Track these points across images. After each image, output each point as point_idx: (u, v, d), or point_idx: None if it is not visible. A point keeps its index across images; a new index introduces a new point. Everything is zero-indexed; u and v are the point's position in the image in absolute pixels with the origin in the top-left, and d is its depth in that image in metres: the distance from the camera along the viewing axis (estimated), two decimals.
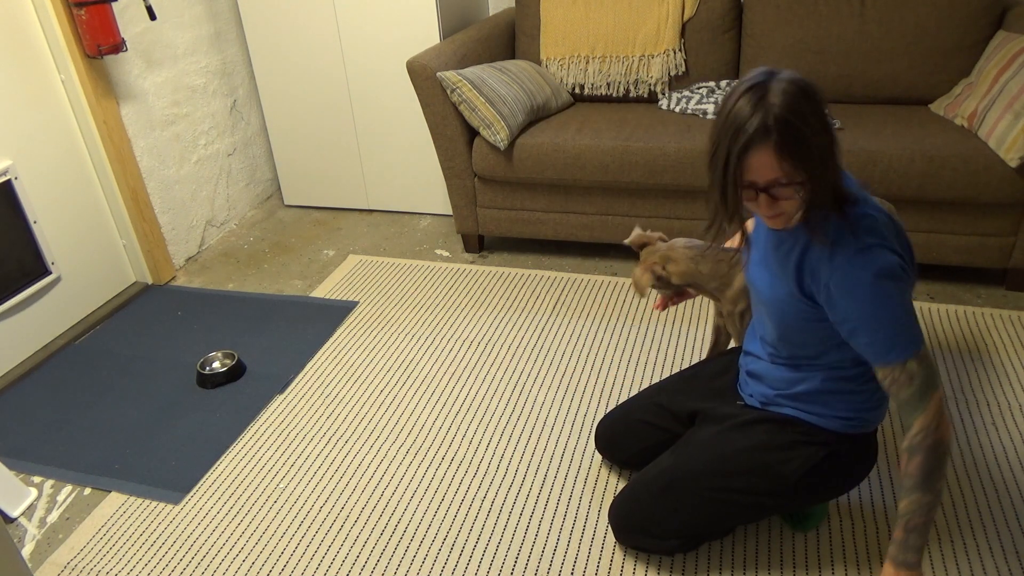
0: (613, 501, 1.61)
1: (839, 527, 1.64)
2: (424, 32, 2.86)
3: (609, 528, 1.67)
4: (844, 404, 1.43)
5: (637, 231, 1.76)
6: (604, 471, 1.83)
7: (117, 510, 1.83)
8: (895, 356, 1.22)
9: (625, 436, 1.74)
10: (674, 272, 1.69)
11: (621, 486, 1.78)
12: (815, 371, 1.42)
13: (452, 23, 2.95)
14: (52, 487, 1.93)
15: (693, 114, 2.69)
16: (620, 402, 1.93)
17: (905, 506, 1.25)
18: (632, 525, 1.55)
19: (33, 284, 2.47)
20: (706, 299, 2.48)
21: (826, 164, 1.16)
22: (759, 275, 1.43)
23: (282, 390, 2.21)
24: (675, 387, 1.72)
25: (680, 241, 1.73)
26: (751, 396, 1.55)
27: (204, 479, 1.90)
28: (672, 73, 2.90)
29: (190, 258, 3.07)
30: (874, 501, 1.69)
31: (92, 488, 1.92)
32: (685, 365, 2.18)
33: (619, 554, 1.61)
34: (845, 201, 1.24)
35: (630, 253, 2.85)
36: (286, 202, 3.47)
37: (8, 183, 2.36)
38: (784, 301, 1.36)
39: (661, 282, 1.71)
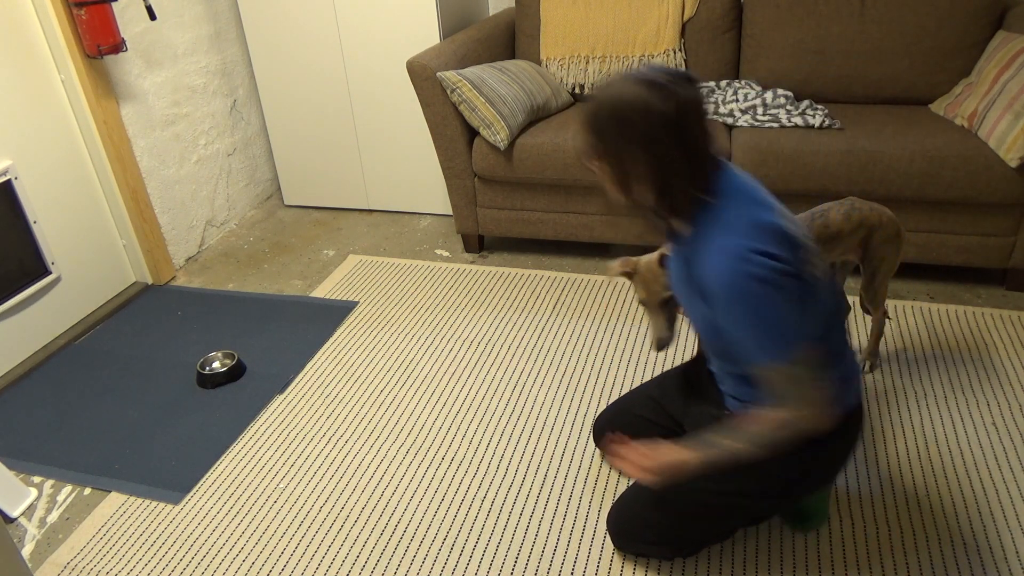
0: (610, 509, 1.61)
1: (839, 527, 1.64)
2: (424, 32, 2.86)
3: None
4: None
5: (612, 265, 1.64)
6: (604, 471, 1.83)
7: (117, 510, 1.83)
8: (761, 358, 1.24)
9: (622, 431, 1.74)
10: (647, 299, 1.60)
11: (621, 486, 1.78)
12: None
13: (452, 23, 2.95)
14: (52, 487, 1.93)
15: None
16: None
17: (723, 440, 1.30)
18: (629, 533, 1.54)
19: (33, 284, 2.47)
20: None
21: (630, 157, 1.20)
22: (680, 294, 1.42)
23: (282, 390, 2.21)
24: (672, 383, 1.72)
25: (645, 259, 1.60)
26: (730, 400, 1.50)
27: (204, 479, 1.90)
28: None
29: (190, 258, 3.07)
30: (874, 502, 1.69)
31: (92, 488, 1.92)
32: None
33: (619, 554, 1.61)
34: (695, 204, 1.25)
35: (629, 253, 2.85)
36: (286, 202, 3.47)
37: (8, 183, 2.36)
38: (703, 316, 1.33)
39: (656, 309, 1.61)
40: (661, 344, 1.62)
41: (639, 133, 1.18)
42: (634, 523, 1.53)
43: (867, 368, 2.09)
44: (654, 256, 1.58)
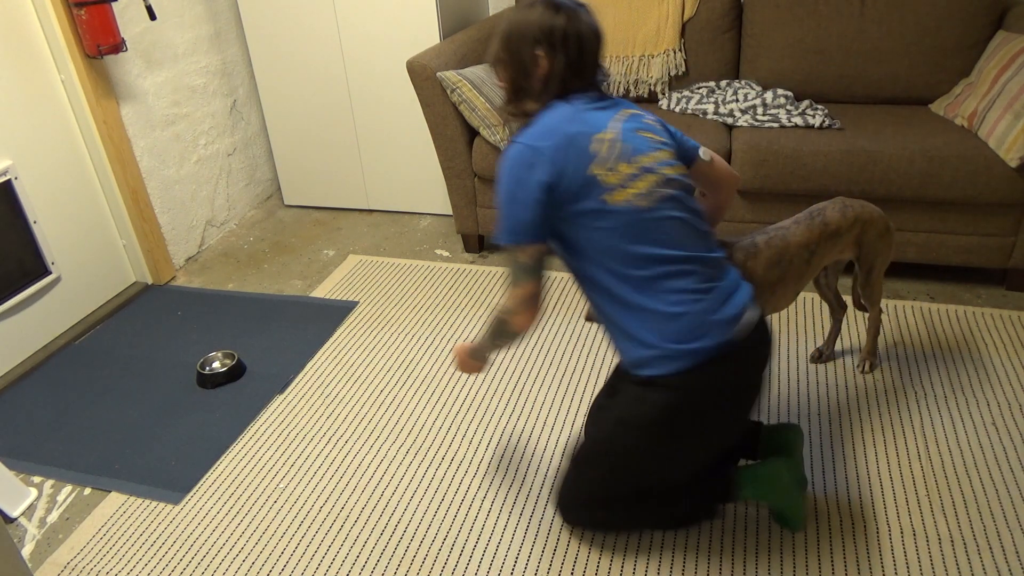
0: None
1: (839, 526, 1.64)
2: (424, 32, 2.86)
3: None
4: (624, 330, 1.42)
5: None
6: None
7: (117, 510, 1.83)
8: (498, 239, 1.42)
9: None
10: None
11: None
12: (593, 295, 1.46)
13: (452, 23, 2.95)
14: (52, 487, 1.93)
15: (693, 114, 2.69)
16: None
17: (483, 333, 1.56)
18: (566, 501, 1.61)
19: (33, 284, 2.47)
20: None
21: (506, 68, 1.45)
22: None
23: (282, 390, 2.21)
24: None
25: None
26: None
27: (204, 479, 1.90)
28: (672, 73, 2.90)
29: (190, 258, 3.07)
30: (874, 502, 1.69)
31: (92, 488, 1.92)
32: None
33: (619, 554, 1.61)
34: (533, 111, 1.46)
35: None
36: (286, 202, 3.47)
37: (8, 183, 2.36)
38: None
39: None
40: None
41: (524, 39, 1.41)
42: (566, 489, 1.61)
43: (867, 368, 2.09)
44: None
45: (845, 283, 2.52)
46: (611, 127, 1.40)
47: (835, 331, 2.14)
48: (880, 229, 1.88)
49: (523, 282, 1.40)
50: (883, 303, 2.42)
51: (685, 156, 1.60)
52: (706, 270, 1.42)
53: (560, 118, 1.39)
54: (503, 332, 1.50)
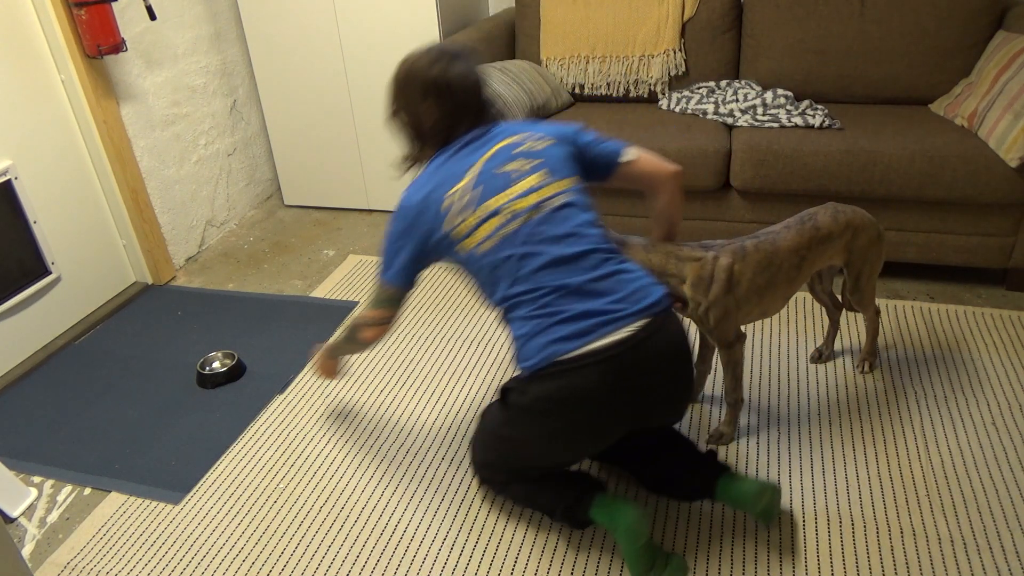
0: None
1: (838, 526, 1.64)
2: (424, 32, 2.86)
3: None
4: (513, 334, 1.48)
5: None
6: (603, 471, 1.82)
7: (117, 510, 1.83)
8: (378, 272, 1.62)
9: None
10: None
11: (620, 485, 1.78)
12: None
13: (452, 23, 2.95)
14: (52, 487, 1.93)
15: (693, 114, 2.69)
16: None
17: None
18: (473, 452, 1.73)
19: (33, 284, 2.47)
20: None
21: (400, 120, 1.61)
22: None
23: (282, 390, 2.21)
24: None
25: (637, 239, 1.77)
26: None
27: (204, 479, 1.90)
28: (672, 73, 2.90)
29: (190, 258, 3.07)
30: (874, 502, 1.70)
31: (92, 488, 1.92)
32: None
33: (619, 553, 1.61)
34: (424, 156, 1.64)
35: None
36: (286, 202, 3.47)
37: (8, 183, 2.36)
38: None
39: None
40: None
41: (406, 94, 1.55)
42: (473, 443, 1.73)
43: (866, 368, 2.08)
44: (638, 241, 1.77)
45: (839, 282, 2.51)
46: (469, 173, 1.51)
47: (833, 331, 2.14)
48: (871, 236, 1.87)
49: (380, 308, 1.64)
50: (883, 303, 2.42)
51: (597, 162, 1.65)
52: (563, 293, 1.44)
53: (430, 172, 1.56)
54: (353, 339, 1.74)
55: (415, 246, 1.55)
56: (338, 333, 1.81)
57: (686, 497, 1.67)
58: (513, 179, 1.50)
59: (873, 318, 2.05)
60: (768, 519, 1.60)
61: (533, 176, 1.51)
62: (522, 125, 1.61)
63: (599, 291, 1.44)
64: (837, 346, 2.21)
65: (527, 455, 1.54)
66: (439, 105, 1.54)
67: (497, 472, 1.67)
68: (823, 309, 2.39)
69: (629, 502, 1.53)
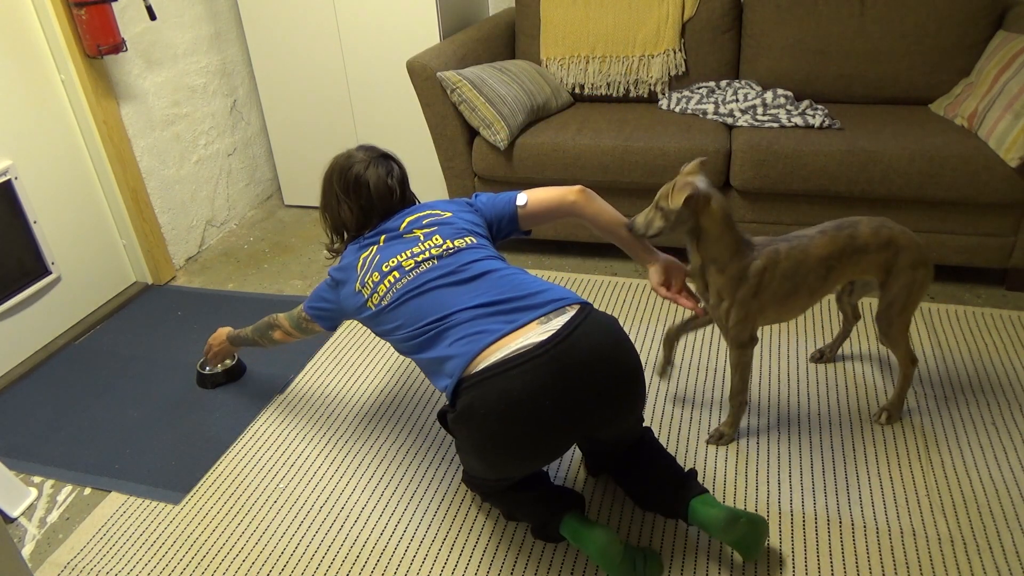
0: None
1: (838, 527, 1.64)
2: (424, 32, 2.87)
3: (609, 528, 1.67)
4: (438, 369, 1.53)
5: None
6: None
7: (117, 510, 1.83)
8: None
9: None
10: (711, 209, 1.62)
11: (619, 485, 1.78)
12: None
13: (452, 23, 2.95)
14: (52, 487, 1.93)
15: (693, 114, 2.69)
16: None
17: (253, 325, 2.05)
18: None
19: (33, 284, 2.47)
20: None
21: (327, 211, 1.81)
22: None
23: (282, 390, 2.21)
24: None
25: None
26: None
27: (204, 479, 1.90)
28: (672, 73, 2.90)
29: (190, 258, 3.07)
30: (874, 502, 1.69)
31: (92, 488, 1.92)
32: (683, 365, 2.18)
33: None
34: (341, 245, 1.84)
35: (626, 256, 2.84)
36: (286, 202, 3.47)
37: (8, 183, 2.36)
38: None
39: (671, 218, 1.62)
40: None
41: (330, 192, 1.77)
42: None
43: (883, 419, 1.90)
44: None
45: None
46: (376, 244, 1.69)
47: (841, 337, 2.10)
48: (915, 259, 1.71)
49: (295, 330, 1.89)
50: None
51: (501, 218, 1.79)
52: (472, 312, 1.50)
53: (349, 251, 1.74)
54: (265, 336, 1.98)
55: (335, 305, 1.75)
56: (250, 329, 2.02)
57: (663, 513, 1.63)
58: (411, 244, 1.65)
59: (907, 364, 1.85)
60: (747, 551, 1.51)
61: (429, 241, 1.65)
62: (427, 204, 1.77)
63: (503, 298, 1.50)
64: (840, 350, 2.21)
65: (476, 468, 1.51)
66: (358, 200, 1.74)
67: (475, 487, 1.68)
68: (840, 315, 2.34)
69: (598, 526, 1.49)
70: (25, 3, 2.37)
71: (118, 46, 2.49)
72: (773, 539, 1.62)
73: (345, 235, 1.81)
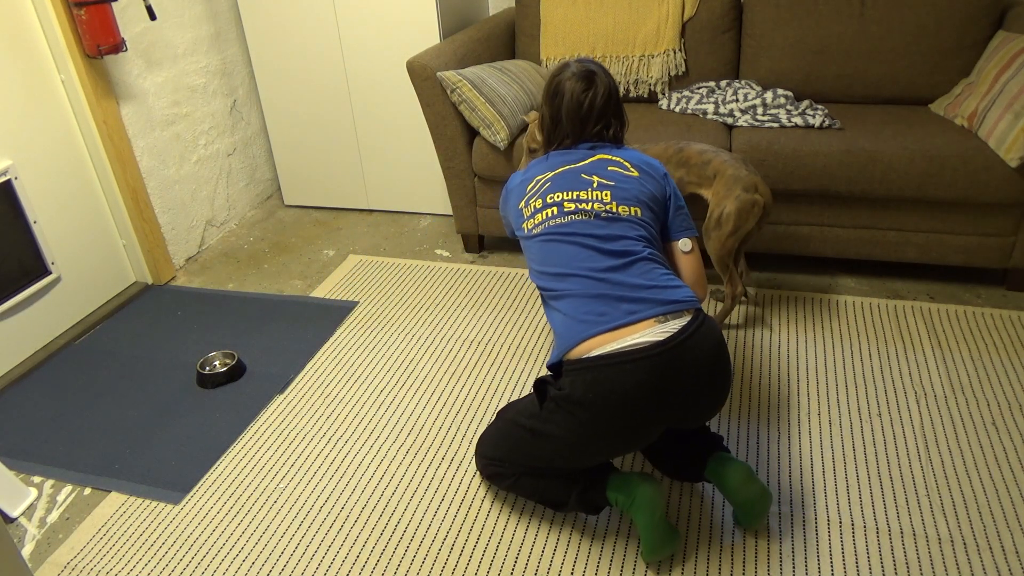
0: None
1: (838, 527, 1.64)
2: (424, 32, 2.87)
3: (609, 527, 1.67)
4: (552, 330, 1.57)
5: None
6: None
7: (117, 510, 1.83)
8: None
9: None
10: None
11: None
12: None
13: (452, 23, 2.95)
14: (52, 487, 1.93)
15: (693, 114, 2.69)
16: None
17: None
18: (477, 447, 1.78)
19: (33, 284, 2.47)
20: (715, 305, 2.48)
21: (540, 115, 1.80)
22: None
23: (282, 390, 2.21)
24: None
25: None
26: None
27: (204, 479, 1.90)
28: (672, 73, 2.90)
29: (190, 258, 3.07)
30: (874, 502, 1.69)
31: (92, 488, 1.92)
32: None
33: (619, 552, 1.61)
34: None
35: None
36: (286, 202, 3.47)
37: (8, 183, 2.36)
38: None
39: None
40: None
41: (546, 101, 1.76)
42: (482, 436, 1.78)
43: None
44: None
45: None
46: (557, 169, 1.69)
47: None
48: (729, 179, 2.11)
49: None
50: (882, 303, 2.42)
51: (668, 221, 1.74)
52: (600, 285, 1.52)
53: (537, 162, 1.75)
54: None
55: (509, 217, 1.79)
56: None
57: (679, 475, 1.68)
58: (581, 185, 1.64)
59: (732, 294, 2.21)
60: (751, 516, 1.58)
61: (599, 192, 1.63)
62: (624, 151, 1.73)
63: (633, 284, 1.51)
64: (838, 347, 2.21)
65: (551, 451, 1.53)
66: (553, 112, 1.74)
67: (510, 466, 1.68)
68: (830, 311, 2.39)
69: (644, 476, 1.55)
70: (25, 3, 2.37)
71: (118, 46, 2.49)
72: (773, 539, 1.62)
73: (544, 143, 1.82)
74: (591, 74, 1.71)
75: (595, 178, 1.65)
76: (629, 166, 1.68)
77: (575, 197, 1.62)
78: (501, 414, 1.73)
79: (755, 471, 1.58)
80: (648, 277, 1.52)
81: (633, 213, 1.61)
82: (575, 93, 1.70)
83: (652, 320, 1.46)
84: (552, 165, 1.70)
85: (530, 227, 1.66)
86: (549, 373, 1.53)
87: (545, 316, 1.58)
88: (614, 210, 1.60)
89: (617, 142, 1.76)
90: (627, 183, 1.65)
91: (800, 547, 1.60)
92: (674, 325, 1.45)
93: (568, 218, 1.60)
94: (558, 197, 1.63)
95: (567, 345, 1.49)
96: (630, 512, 1.54)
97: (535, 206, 1.66)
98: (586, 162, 1.68)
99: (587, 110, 1.71)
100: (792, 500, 1.71)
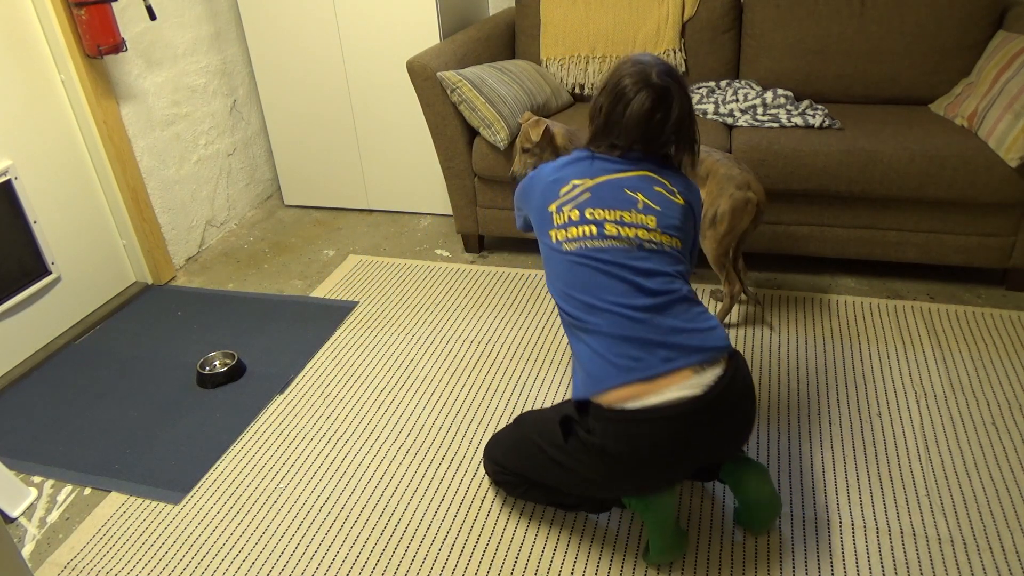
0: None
1: (838, 527, 1.64)
2: (424, 32, 2.87)
3: (610, 527, 1.67)
4: (577, 358, 1.49)
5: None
6: None
7: (117, 510, 1.83)
8: None
9: None
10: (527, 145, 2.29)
11: None
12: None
13: (452, 23, 2.95)
14: (52, 487, 1.93)
15: None
16: None
17: None
18: (489, 447, 1.75)
19: (33, 284, 2.47)
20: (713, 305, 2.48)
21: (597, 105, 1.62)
22: None
23: (282, 390, 2.21)
24: None
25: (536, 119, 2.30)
26: None
27: (204, 479, 1.90)
28: None
29: (190, 258, 3.07)
30: (874, 502, 1.69)
31: (92, 488, 1.92)
32: None
33: (619, 552, 1.61)
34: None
35: None
36: (286, 202, 3.47)
37: (8, 183, 2.36)
38: None
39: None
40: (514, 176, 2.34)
41: (606, 95, 1.57)
42: (494, 440, 1.75)
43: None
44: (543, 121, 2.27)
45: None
46: (598, 179, 1.55)
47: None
48: (721, 178, 2.10)
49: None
50: (883, 303, 2.42)
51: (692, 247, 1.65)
52: (635, 327, 1.43)
53: (572, 159, 1.61)
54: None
55: (529, 212, 1.66)
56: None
57: (695, 475, 1.69)
58: (626, 204, 1.51)
59: (731, 292, 2.20)
60: (759, 521, 1.58)
61: (644, 216, 1.51)
62: (672, 174, 1.59)
63: (669, 327, 1.43)
64: (838, 347, 2.21)
65: (573, 483, 1.51)
66: (605, 113, 1.57)
67: (523, 479, 1.66)
68: (822, 311, 2.39)
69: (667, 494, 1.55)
70: (25, 3, 2.37)
71: (118, 46, 2.49)
72: (773, 540, 1.62)
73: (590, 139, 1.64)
74: (666, 93, 1.51)
75: (640, 197, 1.52)
76: (676, 192, 1.56)
77: (618, 218, 1.49)
78: (519, 423, 1.66)
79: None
80: (684, 319, 1.45)
81: (674, 245, 1.52)
82: (643, 111, 1.51)
83: (688, 370, 1.40)
84: (593, 171, 1.55)
85: (560, 238, 1.52)
86: (578, 402, 1.47)
87: (564, 333, 1.53)
88: (657, 239, 1.50)
89: (669, 159, 1.62)
90: (672, 211, 1.53)
91: (800, 547, 1.60)
92: (710, 376, 1.40)
93: (608, 243, 1.48)
94: (599, 215, 1.50)
95: (598, 388, 1.42)
96: (643, 514, 1.53)
97: (570, 217, 1.52)
98: (631, 174, 1.54)
99: (655, 131, 1.54)
100: (792, 500, 1.71)
